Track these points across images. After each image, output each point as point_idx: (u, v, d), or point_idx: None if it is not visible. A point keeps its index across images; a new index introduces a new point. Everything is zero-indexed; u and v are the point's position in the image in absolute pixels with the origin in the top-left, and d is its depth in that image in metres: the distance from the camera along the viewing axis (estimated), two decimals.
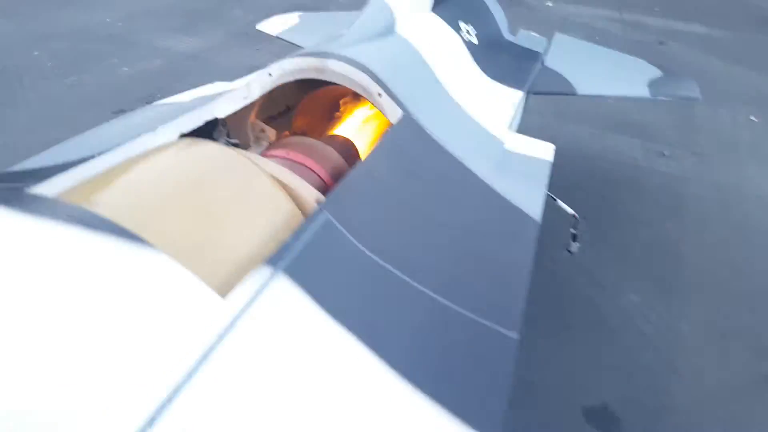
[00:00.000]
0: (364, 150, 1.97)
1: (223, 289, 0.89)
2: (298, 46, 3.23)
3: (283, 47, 3.67)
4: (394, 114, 1.60)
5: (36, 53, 5.16)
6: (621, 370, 2.42)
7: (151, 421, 0.66)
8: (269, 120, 2.02)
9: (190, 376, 0.73)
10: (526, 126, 2.29)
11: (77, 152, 1.46)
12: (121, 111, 4.23)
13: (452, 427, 0.89)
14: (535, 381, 2.28)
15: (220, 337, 0.80)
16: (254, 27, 3.66)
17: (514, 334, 1.12)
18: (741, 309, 2.79)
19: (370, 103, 1.68)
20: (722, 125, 4.61)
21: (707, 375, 2.44)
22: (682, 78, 3.10)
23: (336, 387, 0.88)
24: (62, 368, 0.66)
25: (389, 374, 0.93)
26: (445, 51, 2.09)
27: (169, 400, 0.70)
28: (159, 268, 0.80)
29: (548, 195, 1.74)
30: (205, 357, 0.76)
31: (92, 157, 1.29)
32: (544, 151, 1.86)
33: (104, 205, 0.92)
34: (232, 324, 0.82)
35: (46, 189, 1.12)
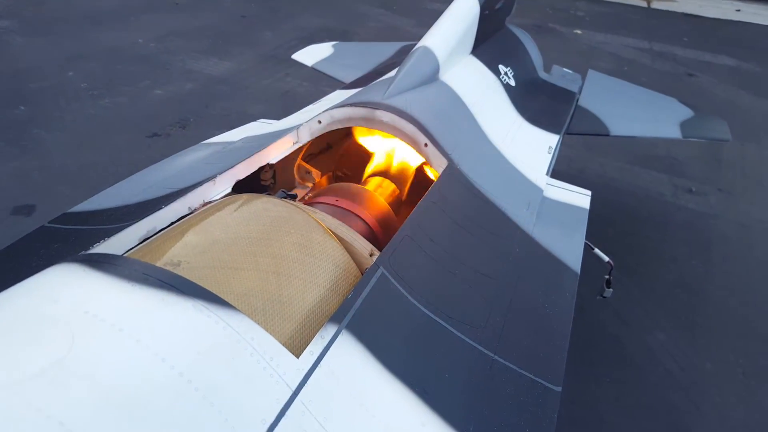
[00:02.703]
0: (406, 191, 2.03)
1: (293, 345, 0.95)
2: (333, 77, 3.32)
3: (313, 73, 3.78)
4: (440, 163, 1.65)
5: (70, 74, 5.31)
6: (645, 407, 2.45)
7: None
8: (311, 158, 2.08)
9: (270, 431, 0.80)
10: (557, 157, 2.32)
11: (137, 194, 1.54)
12: (155, 135, 4.35)
13: None
14: (560, 416, 2.29)
15: (295, 394, 0.86)
16: (284, 51, 3.74)
17: (557, 388, 1.16)
18: (765, 348, 2.80)
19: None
20: (749, 161, 4.60)
21: (730, 414, 2.46)
22: (713, 118, 3.12)
23: None
24: (162, 424, 0.72)
25: (440, 425, 0.99)
26: (486, 96, 2.15)
27: None
28: (242, 331, 0.86)
29: (586, 243, 1.77)
30: (282, 413, 0.83)
31: (157, 202, 1.36)
32: (581, 198, 1.90)
33: (186, 266, 0.98)
34: (304, 381, 0.89)
35: (121, 241, 1.19)
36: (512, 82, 2.45)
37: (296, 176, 1.95)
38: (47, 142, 4.12)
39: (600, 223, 3.26)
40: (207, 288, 0.89)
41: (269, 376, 0.85)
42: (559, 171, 2.14)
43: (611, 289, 2.00)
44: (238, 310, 0.88)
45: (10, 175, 3.68)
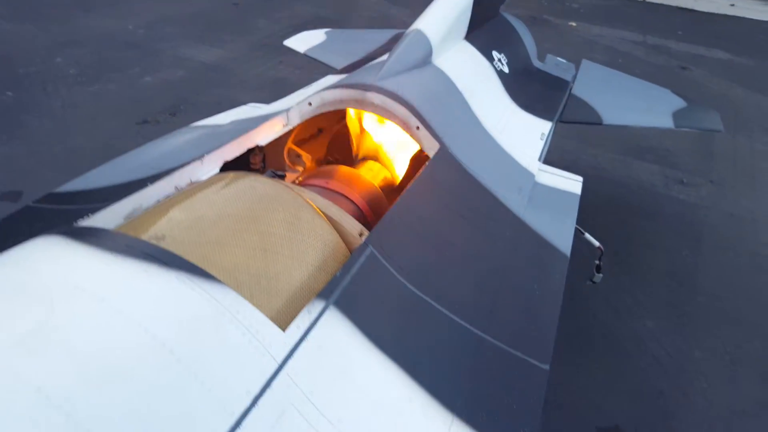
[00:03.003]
0: (397, 175, 2.01)
1: (280, 320, 0.94)
2: (326, 64, 3.28)
3: (306, 61, 3.74)
4: (431, 147, 1.64)
5: (59, 60, 5.24)
6: (634, 393, 2.48)
7: None
8: (302, 142, 2.06)
9: (255, 402, 0.79)
10: (550, 148, 2.33)
11: (124, 175, 1.51)
12: (145, 122, 4.30)
13: None
14: (550, 401, 2.34)
15: (281, 367, 0.86)
16: (277, 38, 3.71)
17: (545, 366, 1.17)
18: (752, 337, 2.84)
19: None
20: (740, 153, 4.63)
21: (716, 400, 2.49)
22: (705, 109, 3.13)
23: (379, 412, 0.94)
24: (150, 397, 0.71)
25: (428, 400, 1.00)
26: (479, 82, 2.13)
27: (237, 424, 0.75)
28: (227, 304, 0.84)
29: (576, 228, 1.77)
30: (267, 385, 0.82)
31: (143, 182, 1.34)
32: (573, 184, 1.89)
33: (171, 240, 0.96)
34: (290, 355, 0.88)
35: (108, 217, 1.17)
36: (506, 69, 2.43)
37: (286, 160, 1.93)
38: (35, 128, 4.06)
39: (592, 213, 3.28)
40: (191, 262, 0.88)
41: (255, 349, 0.84)
42: (552, 162, 2.15)
43: (601, 275, 2.00)
44: (223, 284, 0.87)
45: None
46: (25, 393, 0.63)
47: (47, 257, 0.84)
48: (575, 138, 4.43)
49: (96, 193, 1.47)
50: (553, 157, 2.00)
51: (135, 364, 0.72)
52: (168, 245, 0.92)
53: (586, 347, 2.66)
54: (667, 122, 2.85)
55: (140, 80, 5.05)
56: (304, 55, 3.53)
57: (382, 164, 2.02)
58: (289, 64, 5.48)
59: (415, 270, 1.24)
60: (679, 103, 3.03)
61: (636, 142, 4.56)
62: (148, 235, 0.98)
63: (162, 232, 0.98)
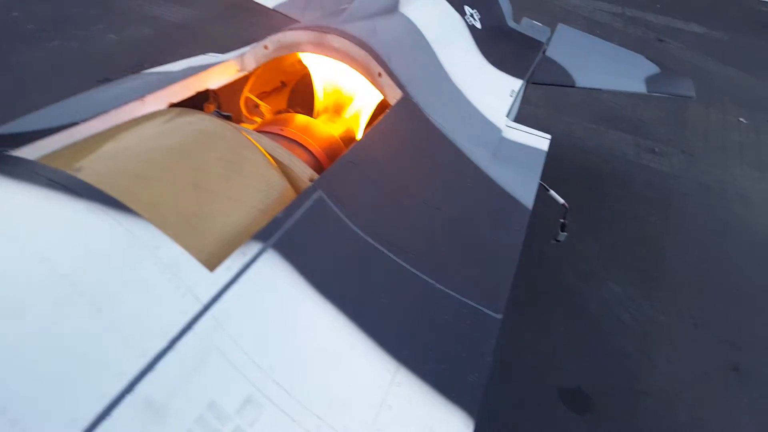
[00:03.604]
0: (362, 130, 1.93)
1: (211, 262, 0.87)
2: (296, 20, 3.16)
3: (281, 22, 3.59)
4: (394, 95, 1.57)
5: (15, 14, 4.97)
6: (598, 356, 2.50)
7: (131, 387, 0.66)
8: (263, 95, 1.97)
9: (173, 344, 0.73)
10: (524, 116, 2.29)
11: (61, 118, 1.41)
12: (107, 80, 4.11)
13: (432, 401, 0.92)
14: (515, 363, 2.36)
15: (205, 309, 0.79)
16: None
17: (498, 315, 1.14)
18: (717, 301, 2.88)
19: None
20: (712, 125, 4.65)
21: (679, 362, 2.53)
22: (678, 75, 3.11)
23: (318, 359, 0.89)
24: (46, 333, 0.64)
25: (372, 348, 0.95)
26: (449, 34, 2.05)
27: (151, 365, 0.69)
28: (145, 239, 0.77)
29: (541, 184, 1.73)
30: (189, 327, 0.76)
31: (77, 123, 1.24)
32: (540, 141, 1.85)
33: (88, 171, 0.88)
34: (218, 296, 0.82)
35: (28, 153, 1.08)
36: (478, 25, 2.35)
37: (243, 109, 1.84)
38: None
39: (564, 180, 3.25)
40: (110, 195, 0.80)
41: (175, 288, 0.77)
42: None
43: (566, 233, 1.97)
44: (142, 217, 0.79)
45: None
46: None
47: None
48: (551, 108, 4.39)
49: (31, 136, 1.37)
50: (526, 125, 1.95)
51: (30, 297, 0.65)
52: (85, 176, 0.84)
53: (551, 310, 2.67)
54: (640, 87, 2.81)
55: (104, 37, 4.82)
56: (278, 16, 3.39)
57: (346, 115, 1.94)
58: (261, 25, 5.26)
59: (367, 217, 1.18)
60: (652, 68, 3.00)
61: (610, 112, 4.55)
62: (66, 165, 0.89)
63: (82, 163, 0.90)
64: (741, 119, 4.80)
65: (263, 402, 0.78)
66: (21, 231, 0.70)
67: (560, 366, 2.40)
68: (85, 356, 0.65)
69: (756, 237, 3.40)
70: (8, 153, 0.90)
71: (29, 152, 1.07)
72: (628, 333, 2.62)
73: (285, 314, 0.90)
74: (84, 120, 1.23)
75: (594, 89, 3.06)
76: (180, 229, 0.88)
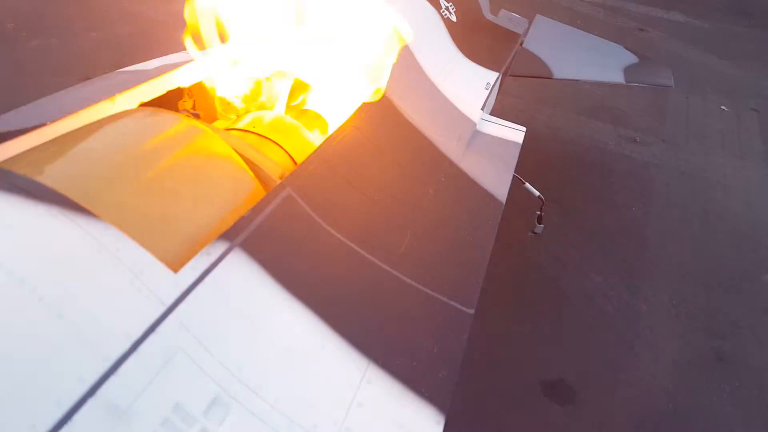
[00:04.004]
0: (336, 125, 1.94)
1: (176, 264, 0.88)
2: None
3: None
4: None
5: None
6: (580, 346, 2.51)
7: (92, 391, 0.66)
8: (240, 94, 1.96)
9: (135, 347, 0.73)
10: (505, 108, 2.29)
11: (31, 119, 1.40)
12: (88, 79, 4.08)
13: (403, 397, 0.93)
14: (496, 355, 2.36)
15: (169, 310, 0.80)
16: None
17: (469, 310, 1.15)
18: (698, 291, 2.91)
19: None
20: (693, 113, 4.69)
21: (661, 352, 2.55)
22: (657, 65, 3.13)
23: (286, 359, 0.89)
24: (3, 339, 0.65)
25: (342, 346, 0.96)
26: (423, 27, 2.05)
27: (114, 369, 0.70)
28: (105, 242, 0.78)
29: (517, 177, 1.75)
30: (152, 329, 0.76)
31: (45, 124, 1.24)
32: (515, 134, 1.86)
33: (51, 174, 0.89)
34: (182, 298, 0.82)
35: None
36: (453, 18, 2.35)
37: (217, 108, 1.84)
38: None
39: (545, 170, 3.28)
40: (70, 198, 0.80)
41: (137, 291, 0.78)
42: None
43: (542, 225, 1.99)
44: (101, 220, 0.80)
45: None
46: None
47: None
48: (531, 99, 4.41)
49: None
50: (508, 117, 1.96)
51: (16, 309, 0.65)
52: (45, 179, 0.84)
53: (532, 302, 2.68)
54: (618, 77, 2.83)
55: (85, 35, 4.77)
56: None
57: (322, 114, 1.95)
58: None
59: (338, 215, 1.19)
60: (630, 58, 3.02)
61: (591, 102, 4.57)
62: (30, 168, 0.89)
63: (45, 166, 0.90)
64: (722, 107, 4.84)
65: (230, 403, 0.79)
66: None
67: (541, 358, 2.42)
68: (45, 362, 0.66)
69: (737, 225, 3.43)
70: None
71: None
72: (610, 323, 2.64)
73: (252, 314, 0.90)
74: (52, 121, 1.23)
75: (572, 80, 3.07)
76: (144, 231, 0.88)
